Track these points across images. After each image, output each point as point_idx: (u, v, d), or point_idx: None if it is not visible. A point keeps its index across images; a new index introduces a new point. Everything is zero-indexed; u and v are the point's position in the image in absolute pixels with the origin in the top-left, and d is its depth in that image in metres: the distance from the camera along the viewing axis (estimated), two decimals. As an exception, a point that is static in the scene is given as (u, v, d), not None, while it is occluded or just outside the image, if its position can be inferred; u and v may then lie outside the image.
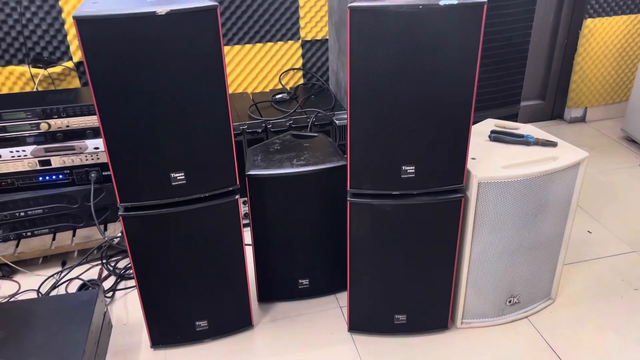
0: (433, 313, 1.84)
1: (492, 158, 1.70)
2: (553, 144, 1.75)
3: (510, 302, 1.87)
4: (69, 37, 2.46)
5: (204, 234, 1.68)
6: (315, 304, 2.04)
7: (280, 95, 2.57)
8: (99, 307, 1.82)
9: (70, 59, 2.50)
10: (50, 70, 2.47)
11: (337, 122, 2.33)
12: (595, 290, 2.06)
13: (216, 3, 1.40)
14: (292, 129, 2.31)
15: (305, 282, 2.00)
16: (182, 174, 1.56)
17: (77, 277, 2.17)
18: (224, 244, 1.72)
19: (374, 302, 1.81)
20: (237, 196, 1.66)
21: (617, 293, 2.04)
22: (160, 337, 1.83)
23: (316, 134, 2.02)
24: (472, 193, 1.63)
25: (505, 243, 1.73)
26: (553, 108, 3.38)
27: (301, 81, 2.81)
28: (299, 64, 2.77)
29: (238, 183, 1.65)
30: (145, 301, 1.75)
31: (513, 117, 2.23)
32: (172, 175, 1.56)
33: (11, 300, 2.06)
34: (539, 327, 1.90)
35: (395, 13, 1.36)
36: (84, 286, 2.09)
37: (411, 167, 1.56)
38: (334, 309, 2.01)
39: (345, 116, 2.36)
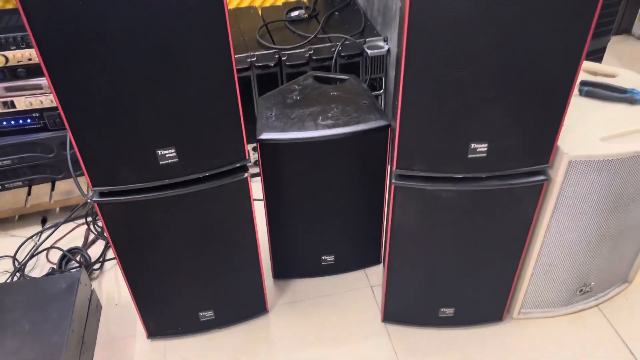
0: (487, 305, 1.51)
1: (585, 124, 1.27)
2: (668, 104, 1.31)
3: (581, 291, 1.53)
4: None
5: (204, 219, 1.31)
6: (341, 281, 1.71)
7: (296, 12, 2.07)
8: (83, 293, 1.50)
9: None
10: (8, -21, 1.97)
11: (369, 52, 1.86)
12: (678, 268, 1.71)
13: None
14: (312, 61, 1.85)
15: (329, 258, 1.66)
16: (172, 150, 1.16)
17: (55, 247, 1.83)
18: (231, 226, 1.36)
19: (416, 294, 1.47)
20: (246, 174, 1.26)
21: None
22: (157, 329, 1.53)
23: (346, 76, 1.57)
24: (559, 174, 1.23)
25: (588, 230, 1.35)
26: (620, 21, 2.82)
27: (321, -9, 2.28)
28: (319, -31, 2.23)
29: (247, 157, 1.25)
30: (137, 294, 1.42)
31: (599, 53, 1.75)
32: (159, 152, 1.15)
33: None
34: (611, 317, 1.58)
35: None
36: (64, 258, 1.75)
37: (483, 145, 1.14)
38: (363, 288, 1.69)
39: (381, 44, 1.88)
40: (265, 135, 1.37)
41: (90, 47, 0.98)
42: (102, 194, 1.21)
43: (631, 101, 1.32)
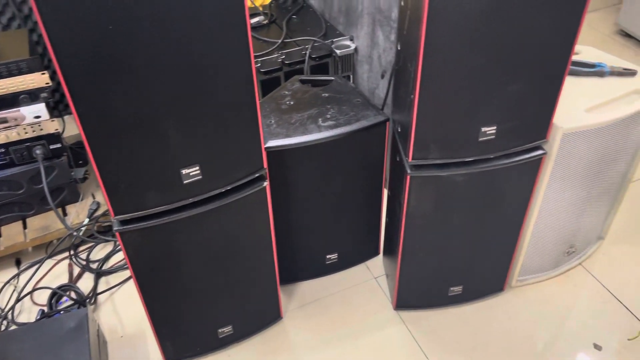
0: (490, 278, 1.61)
1: (569, 99, 1.39)
2: (631, 73, 1.46)
3: (567, 252, 1.67)
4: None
5: (224, 234, 1.30)
6: (344, 278, 1.74)
7: (256, 19, 2.07)
8: (92, 329, 1.43)
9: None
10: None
11: (338, 52, 1.90)
12: (640, 220, 1.90)
13: None
14: (285, 66, 1.86)
15: (333, 256, 1.69)
16: (197, 168, 1.14)
17: (41, 287, 1.72)
18: (250, 238, 1.35)
19: (427, 278, 1.54)
20: (265, 183, 1.27)
21: (662, 221, 1.90)
22: (176, 353, 1.49)
23: (331, 77, 1.60)
24: (554, 147, 1.33)
25: (576, 195, 1.48)
26: None
27: (273, -3, 2.29)
28: (268, -25, 2.24)
29: (265, 166, 1.25)
30: (156, 319, 1.38)
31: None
32: (183, 171, 1.13)
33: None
34: (595, 272, 1.73)
35: None
36: (54, 295, 1.66)
37: (492, 128, 1.22)
38: (368, 281, 1.73)
39: (348, 43, 1.93)
40: (272, 143, 1.37)
41: (115, 69, 0.95)
42: (122, 222, 1.17)
43: (600, 74, 1.46)
